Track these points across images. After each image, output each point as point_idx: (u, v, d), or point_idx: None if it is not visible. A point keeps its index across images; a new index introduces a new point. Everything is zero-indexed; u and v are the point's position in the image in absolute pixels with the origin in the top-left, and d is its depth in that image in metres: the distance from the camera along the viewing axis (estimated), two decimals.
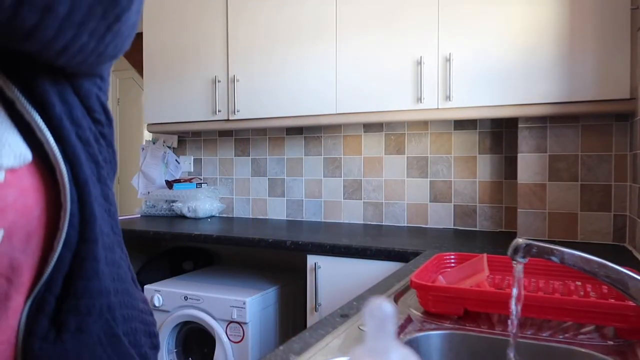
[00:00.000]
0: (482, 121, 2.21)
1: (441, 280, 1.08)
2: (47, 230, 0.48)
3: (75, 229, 0.49)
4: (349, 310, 0.94)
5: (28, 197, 0.46)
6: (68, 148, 0.50)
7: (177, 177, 2.87)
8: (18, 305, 0.47)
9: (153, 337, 0.63)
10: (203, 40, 2.42)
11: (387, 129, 2.39)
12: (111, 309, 0.55)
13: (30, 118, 0.47)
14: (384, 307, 0.31)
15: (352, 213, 2.47)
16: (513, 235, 2.02)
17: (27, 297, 0.48)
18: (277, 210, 2.65)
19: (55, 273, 0.48)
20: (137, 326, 0.60)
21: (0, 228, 0.43)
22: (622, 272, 0.71)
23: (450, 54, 1.90)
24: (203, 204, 2.61)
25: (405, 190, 2.35)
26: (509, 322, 0.71)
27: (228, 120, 2.38)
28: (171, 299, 2.01)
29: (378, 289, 1.13)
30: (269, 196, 2.67)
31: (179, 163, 2.90)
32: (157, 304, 2.01)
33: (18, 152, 0.45)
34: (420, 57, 1.96)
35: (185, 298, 1.97)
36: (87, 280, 0.51)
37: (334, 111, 2.13)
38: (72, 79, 0.52)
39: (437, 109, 1.94)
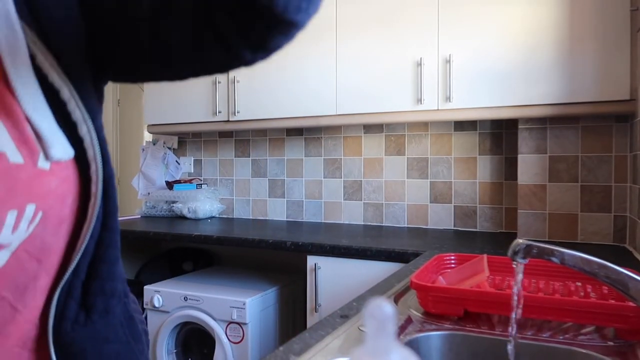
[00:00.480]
0: (482, 122, 2.21)
1: (441, 281, 1.08)
2: (75, 218, 0.52)
3: (99, 219, 0.53)
4: (349, 311, 0.94)
5: (66, 186, 0.50)
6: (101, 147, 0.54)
7: (177, 178, 2.87)
8: (45, 285, 0.51)
9: (144, 334, 0.66)
10: None
11: (387, 130, 2.39)
12: (126, 294, 0.61)
13: (80, 118, 0.51)
14: (384, 308, 0.31)
15: (352, 214, 2.47)
16: (513, 236, 2.02)
17: (54, 281, 0.52)
18: (277, 211, 2.65)
19: (81, 259, 0.52)
20: None
21: (39, 210, 0.47)
22: (622, 272, 0.71)
23: (450, 55, 1.90)
24: (203, 204, 2.61)
25: (405, 191, 2.35)
26: (510, 323, 0.71)
27: (228, 121, 2.38)
28: (171, 300, 2.01)
29: (378, 289, 1.13)
30: (269, 197, 2.67)
31: (179, 164, 2.90)
32: (157, 305, 2.01)
33: (66, 147, 0.49)
34: (420, 58, 1.96)
35: (185, 299, 1.97)
36: (110, 264, 0.55)
37: (334, 112, 2.13)
38: (98, 80, 0.56)
39: (437, 110, 1.94)
